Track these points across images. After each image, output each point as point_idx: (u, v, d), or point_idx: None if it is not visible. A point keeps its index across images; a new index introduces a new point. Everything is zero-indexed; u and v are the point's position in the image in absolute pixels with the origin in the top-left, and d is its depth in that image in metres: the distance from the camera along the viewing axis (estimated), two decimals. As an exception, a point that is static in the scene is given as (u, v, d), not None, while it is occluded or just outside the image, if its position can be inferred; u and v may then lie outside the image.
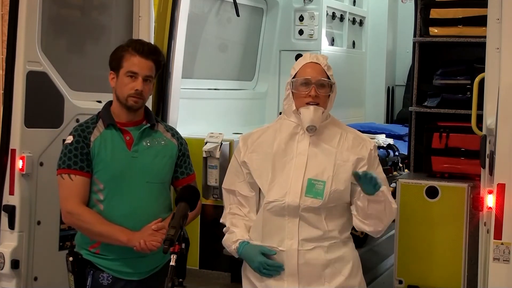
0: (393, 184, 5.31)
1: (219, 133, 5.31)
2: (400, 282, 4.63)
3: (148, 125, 3.45)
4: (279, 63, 7.22)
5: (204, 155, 5.24)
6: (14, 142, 3.89)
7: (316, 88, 3.14)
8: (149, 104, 3.63)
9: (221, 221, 3.37)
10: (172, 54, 4.92)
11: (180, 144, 3.54)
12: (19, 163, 3.87)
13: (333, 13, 7.40)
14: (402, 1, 8.36)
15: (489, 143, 3.53)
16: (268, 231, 3.18)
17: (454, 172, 4.72)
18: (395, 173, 6.08)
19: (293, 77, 3.20)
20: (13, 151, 3.89)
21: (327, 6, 7.23)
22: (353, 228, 3.29)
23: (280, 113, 3.41)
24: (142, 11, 4.62)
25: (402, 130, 6.88)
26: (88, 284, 3.34)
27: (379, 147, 5.79)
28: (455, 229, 4.48)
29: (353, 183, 3.14)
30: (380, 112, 8.12)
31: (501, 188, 3.16)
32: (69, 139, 3.37)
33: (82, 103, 4.22)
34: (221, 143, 5.22)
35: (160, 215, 3.36)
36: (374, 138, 5.55)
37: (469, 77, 4.70)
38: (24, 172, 3.88)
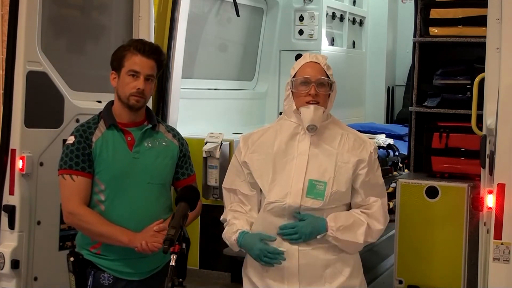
0: (393, 184, 5.31)
1: (219, 133, 5.31)
2: (400, 282, 4.63)
3: (150, 125, 3.45)
4: (279, 63, 7.22)
5: (204, 155, 5.24)
6: (14, 142, 3.89)
7: (316, 87, 3.14)
8: (149, 104, 3.63)
9: (221, 218, 3.36)
10: (172, 54, 4.92)
11: (181, 145, 3.54)
12: (19, 163, 3.87)
13: (333, 13, 7.41)
14: (402, 1, 8.36)
15: (489, 143, 3.53)
16: (268, 231, 3.17)
17: (454, 172, 4.72)
18: (395, 173, 6.08)
19: (293, 77, 3.20)
20: (13, 151, 3.89)
21: (327, 6, 7.23)
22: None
23: (281, 113, 3.41)
24: (142, 11, 4.62)
25: (402, 130, 6.88)
26: (89, 284, 3.34)
27: (379, 147, 5.79)
28: (455, 229, 4.48)
29: (353, 187, 3.17)
30: (380, 112, 8.12)
31: (501, 188, 3.16)
32: (71, 139, 3.36)
33: (82, 103, 4.22)
34: (221, 143, 5.22)
35: (161, 216, 3.35)
36: (374, 138, 5.54)
37: (469, 77, 4.70)
38: (24, 172, 3.88)
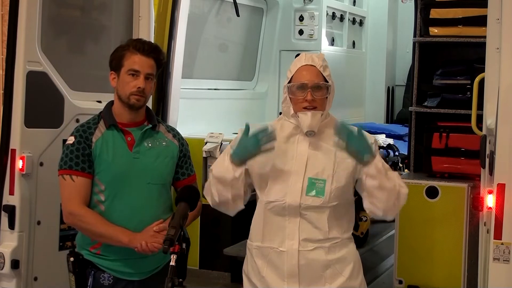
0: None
1: (219, 133, 5.31)
2: (400, 282, 4.63)
3: (150, 125, 3.45)
4: (279, 63, 7.22)
5: (204, 155, 5.24)
6: (14, 142, 3.89)
7: (312, 92, 3.12)
8: (149, 104, 3.63)
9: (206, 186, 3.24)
10: (172, 54, 4.92)
11: (181, 145, 3.54)
12: (19, 163, 3.88)
13: (333, 13, 7.41)
14: (402, 1, 8.36)
15: (489, 143, 3.53)
16: (268, 232, 3.17)
17: (454, 172, 4.72)
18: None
19: (289, 81, 3.18)
20: (13, 151, 3.89)
21: (327, 6, 7.23)
22: (353, 228, 3.29)
23: (281, 113, 3.40)
24: (142, 11, 4.62)
25: (402, 130, 6.88)
26: (89, 284, 3.34)
27: (379, 147, 5.79)
28: (455, 229, 4.48)
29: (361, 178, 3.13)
30: (380, 112, 8.12)
31: (501, 188, 3.16)
32: (71, 139, 3.36)
33: (82, 103, 4.22)
34: (221, 143, 5.23)
35: (161, 217, 3.35)
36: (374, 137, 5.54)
37: (469, 77, 4.70)
38: (24, 172, 3.88)
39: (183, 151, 3.53)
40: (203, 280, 5.36)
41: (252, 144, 3.04)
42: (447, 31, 4.86)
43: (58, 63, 4.10)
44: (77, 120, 4.08)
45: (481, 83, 3.87)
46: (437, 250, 4.54)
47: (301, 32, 7.15)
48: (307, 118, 3.11)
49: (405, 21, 7.80)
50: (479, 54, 4.33)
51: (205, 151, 5.23)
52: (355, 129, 3.06)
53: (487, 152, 3.54)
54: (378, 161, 3.09)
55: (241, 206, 3.18)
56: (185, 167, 3.54)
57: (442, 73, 4.95)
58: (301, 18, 7.15)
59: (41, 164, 3.98)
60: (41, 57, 3.97)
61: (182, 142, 3.55)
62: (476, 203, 3.62)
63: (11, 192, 3.90)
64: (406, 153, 5.62)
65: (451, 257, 4.50)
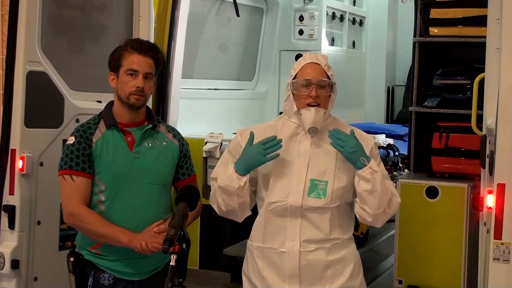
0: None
1: (219, 133, 5.31)
2: (400, 282, 4.63)
3: (150, 125, 3.45)
4: (279, 63, 7.23)
5: (204, 155, 5.24)
6: (14, 142, 3.89)
7: (316, 89, 3.13)
8: (149, 104, 3.63)
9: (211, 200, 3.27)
10: (172, 54, 4.92)
11: (182, 145, 3.54)
12: (19, 163, 3.88)
13: (333, 13, 7.41)
14: (402, 1, 8.36)
15: (489, 143, 3.53)
16: (269, 232, 3.17)
17: (454, 172, 4.72)
18: (395, 173, 6.08)
19: (293, 78, 3.19)
20: (13, 151, 3.89)
21: (327, 6, 7.23)
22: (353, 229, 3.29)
23: (281, 113, 3.40)
24: (142, 11, 4.62)
25: (402, 130, 6.88)
26: (89, 284, 3.34)
27: (379, 147, 5.79)
28: (455, 229, 4.48)
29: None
30: (380, 112, 8.12)
31: (501, 188, 3.16)
32: (71, 139, 3.36)
33: (82, 103, 4.22)
34: (221, 143, 5.22)
35: (161, 217, 3.35)
36: (374, 138, 5.54)
37: (469, 77, 4.70)
38: (24, 172, 3.88)
39: (183, 151, 3.53)
40: (203, 280, 5.36)
41: (257, 153, 3.07)
42: (447, 31, 4.86)
43: (58, 63, 4.10)
44: (77, 120, 4.08)
45: (481, 83, 3.87)
46: (437, 250, 4.54)
47: (301, 32, 7.15)
48: (310, 114, 3.11)
49: (405, 21, 7.80)
50: (479, 54, 4.33)
51: (205, 151, 5.23)
52: (347, 135, 3.09)
53: (487, 152, 3.54)
54: (374, 165, 3.10)
55: (248, 213, 3.21)
56: (186, 167, 3.54)
57: (442, 73, 4.95)
58: (301, 18, 7.15)
59: (41, 164, 3.98)
60: (41, 57, 3.97)
61: (182, 142, 3.54)
62: (476, 203, 3.62)
63: (11, 192, 3.90)
64: (406, 153, 5.62)
65: (451, 257, 4.50)
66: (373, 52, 8.17)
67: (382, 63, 8.16)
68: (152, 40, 4.51)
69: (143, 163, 3.38)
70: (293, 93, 3.18)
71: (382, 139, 6.12)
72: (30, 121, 3.92)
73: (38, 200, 3.98)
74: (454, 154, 4.71)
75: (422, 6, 4.91)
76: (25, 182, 3.92)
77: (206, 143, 5.27)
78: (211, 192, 3.23)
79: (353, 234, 3.33)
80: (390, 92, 8.28)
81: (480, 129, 3.94)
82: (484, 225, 3.52)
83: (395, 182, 4.80)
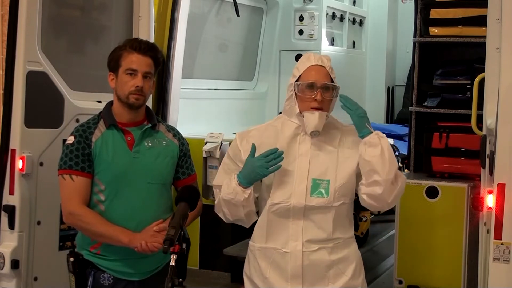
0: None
1: (219, 133, 5.30)
2: (400, 282, 4.63)
3: (150, 125, 3.45)
4: (279, 63, 7.22)
5: (204, 155, 5.24)
6: (14, 142, 3.89)
7: (321, 93, 3.13)
8: (149, 104, 3.63)
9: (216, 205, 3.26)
10: (172, 54, 4.92)
11: (182, 144, 3.54)
12: (19, 163, 3.88)
13: (333, 13, 7.40)
14: (402, 1, 8.36)
15: (489, 143, 3.53)
16: (272, 233, 3.17)
17: (454, 172, 4.71)
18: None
19: (297, 79, 3.18)
20: (13, 151, 3.89)
21: (327, 6, 7.23)
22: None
23: (280, 113, 3.39)
24: (142, 11, 4.62)
25: (402, 130, 6.88)
26: (89, 284, 3.34)
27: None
28: (455, 229, 4.48)
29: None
30: (380, 112, 8.12)
31: (501, 188, 3.16)
32: (70, 139, 3.36)
33: (82, 103, 4.23)
34: (221, 143, 5.22)
35: (161, 216, 3.35)
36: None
37: (469, 77, 4.69)
38: (24, 172, 3.89)
39: (183, 150, 3.53)
40: (203, 280, 5.36)
41: (260, 167, 3.07)
42: (447, 31, 4.85)
43: (58, 63, 4.11)
44: (77, 120, 4.08)
45: (481, 83, 3.86)
46: (437, 250, 4.53)
47: (301, 32, 7.15)
48: (314, 118, 3.12)
49: (405, 21, 7.80)
50: (479, 54, 4.33)
51: (205, 151, 5.23)
52: (357, 103, 3.16)
53: (487, 152, 3.54)
54: (380, 133, 3.12)
55: (254, 219, 3.22)
56: (186, 166, 3.54)
57: (442, 73, 4.95)
58: (301, 18, 7.14)
59: (41, 164, 3.98)
60: (41, 57, 3.97)
61: (182, 142, 3.55)
62: (476, 203, 3.62)
63: (11, 192, 3.90)
64: (406, 153, 5.61)
65: (451, 257, 4.50)
66: (373, 52, 8.16)
67: (382, 63, 8.16)
68: (152, 40, 4.51)
69: (143, 163, 3.38)
70: (296, 94, 3.17)
71: (382, 139, 6.11)
72: (30, 121, 3.92)
73: (38, 200, 3.98)
74: (454, 154, 4.71)
75: (422, 6, 4.91)
76: (25, 182, 3.92)
77: (206, 143, 5.26)
78: (215, 201, 3.25)
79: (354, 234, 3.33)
80: (390, 92, 8.28)
81: (480, 129, 3.94)
82: (484, 225, 3.52)
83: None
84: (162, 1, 4.97)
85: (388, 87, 8.24)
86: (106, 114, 3.42)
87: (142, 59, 3.35)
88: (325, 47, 7.17)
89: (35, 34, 3.93)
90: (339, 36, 7.67)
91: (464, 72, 4.82)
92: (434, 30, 4.90)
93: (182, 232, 2.86)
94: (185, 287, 2.72)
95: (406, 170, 5.21)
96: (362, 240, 5.67)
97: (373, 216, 5.96)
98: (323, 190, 3.11)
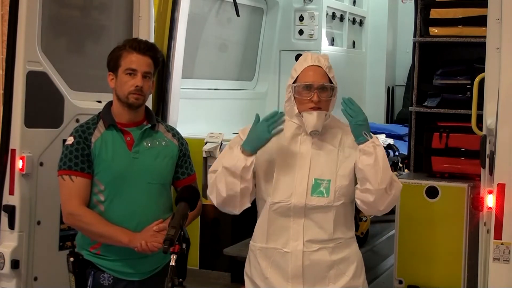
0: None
1: (219, 133, 5.31)
2: (400, 282, 4.63)
3: (149, 125, 3.45)
4: (279, 63, 7.22)
5: (204, 155, 5.24)
6: (14, 142, 3.89)
7: (318, 93, 3.13)
8: (149, 104, 3.63)
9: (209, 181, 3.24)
10: (172, 54, 4.92)
11: (181, 144, 3.54)
12: (19, 163, 3.88)
13: (333, 13, 7.41)
14: (402, 1, 8.36)
15: (489, 143, 3.53)
16: (272, 232, 3.17)
17: (454, 172, 4.72)
18: (395, 173, 6.07)
19: (294, 81, 3.18)
20: (13, 151, 3.89)
21: (327, 6, 7.23)
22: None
23: (280, 113, 3.39)
24: (142, 11, 4.62)
25: (402, 130, 6.89)
26: (89, 284, 3.34)
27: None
28: (455, 229, 4.48)
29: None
30: (380, 112, 8.12)
31: (501, 188, 3.16)
32: (70, 140, 3.36)
33: (82, 103, 4.22)
34: (221, 143, 5.22)
35: (161, 216, 3.35)
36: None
37: (469, 77, 4.70)
38: (24, 172, 3.89)
39: (182, 150, 3.53)
40: (203, 280, 5.36)
41: (262, 131, 3.06)
42: (447, 31, 4.86)
43: (58, 63, 4.10)
44: (77, 120, 4.08)
45: (481, 83, 3.87)
46: (437, 250, 4.53)
47: (301, 32, 7.15)
48: (312, 118, 3.12)
49: (405, 21, 7.80)
50: (479, 54, 4.33)
51: (205, 151, 5.23)
52: (360, 108, 3.11)
53: (487, 152, 3.54)
54: (377, 140, 3.11)
55: (247, 204, 3.17)
56: (185, 166, 3.54)
57: (442, 73, 4.95)
58: (301, 18, 7.15)
59: (41, 164, 3.98)
60: (41, 57, 3.97)
61: (181, 142, 3.54)
62: (476, 203, 3.62)
63: (11, 192, 3.90)
64: (406, 153, 5.62)
65: (451, 257, 4.50)
66: (373, 52, 8.16)
67: (382, 63, 8.16)
68: (152, 40, 4.51)
69: (142, 163, 3.38)
70: (294, 96, 3.17)
71: (382, 139, 6.12)
72: (30, 121, 3.92)
73: (38, 200, 3.98)
74: (454, 154, 4.71)
75: (422, 6, 4.91)
76: (25, 182, 3.92)
77: (206, 143, 5.27)
78: (209, 182, 3.19)
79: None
80: (390, 92, 8.28)
81: (480, 129, 3.94)
82: (484, 225, 3.52)
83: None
84: (162, 1, 4.97)
85: (388, 87, 8.24)
86: (106, 115, 3.42)
87: (142, 59, 3.35)
88: (325, 47, 7.17)
89: (35, 34, 3.93)
90: (339, 36, 7.67)
91: (464, 72, 4.83)
92: (434, 30, 4.90)
93: (182, 232, 2.86)
94: (185, 287, 2.72)
95: (406, 170, 5.21)
96: (362, 240, 5.67)
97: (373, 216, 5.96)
98: (323, 190, 3.12)
